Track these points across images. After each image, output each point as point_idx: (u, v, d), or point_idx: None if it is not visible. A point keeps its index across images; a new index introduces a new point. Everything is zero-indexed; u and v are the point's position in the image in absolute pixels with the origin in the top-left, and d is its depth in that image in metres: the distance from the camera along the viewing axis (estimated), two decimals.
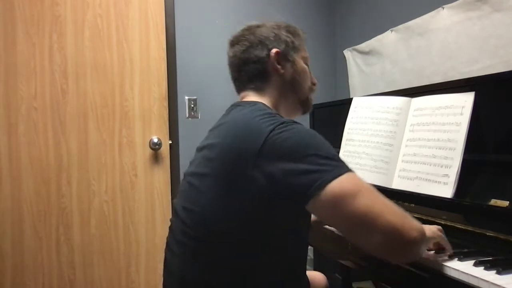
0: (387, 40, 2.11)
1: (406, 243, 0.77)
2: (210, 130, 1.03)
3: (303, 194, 0.79)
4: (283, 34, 1.04)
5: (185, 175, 1.03)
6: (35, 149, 2.03)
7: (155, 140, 2.16)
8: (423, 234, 0.81)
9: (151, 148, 2.17)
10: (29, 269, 2.02)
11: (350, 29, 2.56)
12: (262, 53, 1.02)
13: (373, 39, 2.22)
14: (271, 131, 0.83)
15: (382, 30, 2.15)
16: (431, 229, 0.94)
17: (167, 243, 1.03)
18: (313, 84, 1.11)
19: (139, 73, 2.17)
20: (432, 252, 0.99)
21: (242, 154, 0.84)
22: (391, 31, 2.07)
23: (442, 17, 1.75)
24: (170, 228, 1.02)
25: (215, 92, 2.40)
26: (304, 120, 2.15)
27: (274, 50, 1.01)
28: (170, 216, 2.39)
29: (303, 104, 1.09)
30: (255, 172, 0.82)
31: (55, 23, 2.06)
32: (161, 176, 2.21)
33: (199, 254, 0.90)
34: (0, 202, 1.98)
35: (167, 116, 2.22)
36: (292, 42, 1.05)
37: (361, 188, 0.79)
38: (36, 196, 2.03)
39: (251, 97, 1.03)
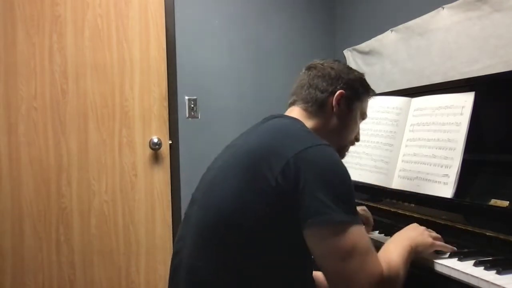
0: (387, 40, 2.10)
1: None
2: (242, 134, 1.05)
3: (306, 217, 0.81)
4: (357, 83, 1.08)
5: (209, 169, 1.04)
6: (35, 149, 2.03)
7: (155, 140, 2.16)
8: None
9: (151, 148, 2.17)
10: (29, 269, 2.02)
11: (350, 29, 2.56)
12: (329, 87, 1.05)
13: (373, 39, 2.22)
14: (311, 146, 0.86)
15: (382, 30, 2.14)
16: (424, 243, 0.96)
17: (179, 234, 1.02)
18: (356, 139, 1.14)
19: (139, 73, 2.17)
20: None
21: (274, 154, 0.86)
22: (391, 31, 2.07)
23: (442, 17, 1.75)
24: (186, 218, 1.01)
25: (215, 92, 2.40)
26: None
27: (340, 90, 1.05)
28: (170, 216, 2.39)
29: (339, 150, 1.09)
30: (280, 174, 0.83)
31: (55, 23, 2.06)
32: (161, 176, 2.21)
33: (211, 244, 0.89)
34: (0, 202, 1.98)
35: (167, 116, 2.22)
36: (360, 94, 1.09)
37: (354, 250, 0.80)
38: (36, 196, 2.03)
39: (296, 114, 1.05)
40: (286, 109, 1.10)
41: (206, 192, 0.97)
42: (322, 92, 1.05)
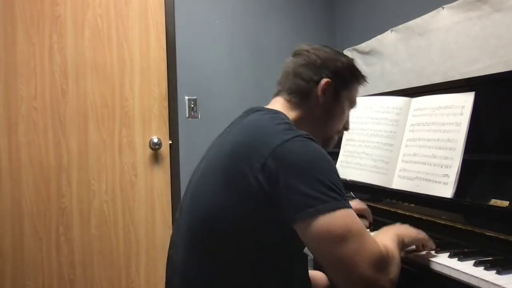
0: (387, 40, 2.10)
1: None
2: (224, 130, 1.03)
3: (293, 213, 0.80)
4: (345, 70, 1.03)
5: (195, 171, 1.03)
6: (35, 149, 2.03)
7: (155, 140, 2.16)
8: (394, 283, 0.82)
9: (151, 148, 2.17)
10: (29, 269, 2.02)
11: (350, 29, 2.56)
12: (314, 76, 1.00)
13: (373, 39, 2.22)
14: (287, 140, 0.83)
15: (382, 30, 2.14)
16: (410, 236, 0.96)
17: (171, 240, 1.03)
18: (345, 129, 1.11)
19: (139, 73, 2.17)
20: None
21: (253, 152, 0.84)
22: (391, 31, 2.07)
23: (442, 17, 1.75)
24: (176, 225, 1.02)
25: (215, 92, 2.40)
26: None
27: (326, 79, 1.00)
28: (170, 216, 2.39)
29: (324, 141, 1.07)
30: (260, 172, 0.82)
31: (55, 23, 2.06)
32: (161, 176, 2.21)
33: (200, 249, 0.90)
34: (0, 202, 1.98)
35: (167, 116, 2.22)
36: (348, 82, 1.04)
37: (349, 233, 0.78)
38: (36, 196, 2.03)
39: (279, 106, 1.02)
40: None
41: (192, 197, 0.97)
42: (306, 81, 1.00)
